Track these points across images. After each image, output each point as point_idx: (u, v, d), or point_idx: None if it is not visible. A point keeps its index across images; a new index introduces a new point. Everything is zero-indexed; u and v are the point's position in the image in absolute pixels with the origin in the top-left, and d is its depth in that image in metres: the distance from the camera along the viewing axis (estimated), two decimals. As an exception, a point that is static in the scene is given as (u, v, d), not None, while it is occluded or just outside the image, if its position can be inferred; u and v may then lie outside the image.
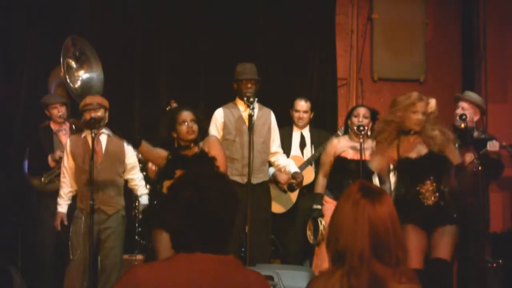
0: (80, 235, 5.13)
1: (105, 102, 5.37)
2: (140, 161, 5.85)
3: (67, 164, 5.27)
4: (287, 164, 5.69)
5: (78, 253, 5.10)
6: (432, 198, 4.67)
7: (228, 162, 5.50)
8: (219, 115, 5.60)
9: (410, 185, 4.72)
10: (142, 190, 5.47)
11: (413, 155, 4.72)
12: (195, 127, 4.74)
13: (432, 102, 4.78)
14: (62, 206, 5.27)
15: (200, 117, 4.88)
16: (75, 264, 5.11)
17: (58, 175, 5.58)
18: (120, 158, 5.34)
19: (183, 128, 4.70)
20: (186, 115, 4.73)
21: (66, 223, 5.24)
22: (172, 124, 4.79)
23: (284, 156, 5.80)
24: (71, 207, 5.31)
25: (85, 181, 5.16)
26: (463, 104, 5.66)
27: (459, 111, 5.56)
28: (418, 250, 4.54)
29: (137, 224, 6.47)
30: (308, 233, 5.44)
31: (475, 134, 5.33)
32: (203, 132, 4.89)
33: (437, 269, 4.57)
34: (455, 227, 4.70)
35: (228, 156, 5.50)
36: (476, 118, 5.70)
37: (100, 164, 5.10)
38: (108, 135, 5.34)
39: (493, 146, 5.18)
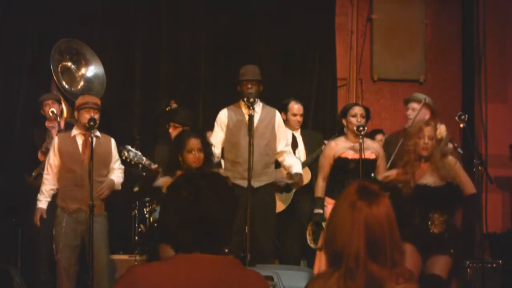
0: (63, 235, 5.13)
1: (99, 103, 5.37)
2: (144, 168, 5.86)
3: (53, 161, 5.25)
4: (292, 164, 5.68)
5: (63, 253, 5.10)
6: (439, 228, 4.69)
7: (231, 166, 5.52)
8: (223, 115, 5.59)
9: (423, 211, 4.72)
10: (116, 174, 5.41)
11: (429, 182, 4.74)
12: (201, 156, 4.76)
13: (442, 127, 4.79)
14: (43, 202, 5.26)
15: (206, 144, 4.93)
16: (61, 265, 5.12)
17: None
18: (106, 161, 5.34)
19: (190, 156, 4.71)
20: (194, 143, 4.73)
21: (45, 216, 5.24)
22: (180, 149, 4.84)
23: (291, 155, 5.75)
24: (53, 206, 5.29)
25: (71, 181, 5.17)
26: (413, 105, 5.84)
27: (409, 112, 5.80)
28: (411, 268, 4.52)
29: (137, 224, 6.48)
30: (309, 238, 5.41)
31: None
32: (208, 158, 4.93)
33: (431, 284, 4.56)
34: (451, 260, 4.69)
35: (231, 159, 5.51)
36: (427, 116, 5.82)
37: (87, 165, 5.08)
38: (98, 137, 5.31)
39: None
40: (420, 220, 4.71)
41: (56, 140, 5.32)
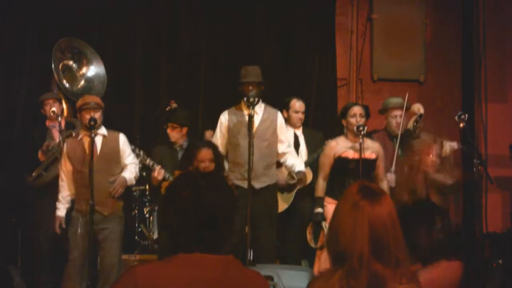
0: (77, 235, 5.13)
1: (101, 103, 5.36)
2: (144, 168, 5.85)
3: (65, 167, 5.25)
4: (294, 163, 5.66)
5: (76, 253, 5.10)
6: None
7: (232, 166, 5.51)
8: (223, 118, 5.59)
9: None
10: (129, 169, 5.38)
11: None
12: (212, 166, 4.82)
13: (447, 146, 4.86)
14: (61, 210, 5.25)
15: (218, 155, 4.95)
16: (73, 265, 5.11)
17: (46, 168, 5.62)
18: (115, 159, 5.31)
19: (201, 166, 4.78)
20: (205, 154, 4.81)
21: (64, 226, 5.24)
22: (191, 159, 4.84)
23: (293, 155, 5.72)
24: (69, 209, 5.30)
25: (82, 183, 5.16)
26: (398, 112, 5.82)
27: (399, 120, 5.74)
28: None
29: (137, 224, 6.48)
30: (309, 237, 5.41)
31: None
32: (220, 169, 4.93)
33: None
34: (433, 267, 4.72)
35: (232, 160, 5.50)
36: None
37: (95, 165, 5.07)
38: (104, 136, 5.31)
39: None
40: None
41: (64, 145, 5.33)
